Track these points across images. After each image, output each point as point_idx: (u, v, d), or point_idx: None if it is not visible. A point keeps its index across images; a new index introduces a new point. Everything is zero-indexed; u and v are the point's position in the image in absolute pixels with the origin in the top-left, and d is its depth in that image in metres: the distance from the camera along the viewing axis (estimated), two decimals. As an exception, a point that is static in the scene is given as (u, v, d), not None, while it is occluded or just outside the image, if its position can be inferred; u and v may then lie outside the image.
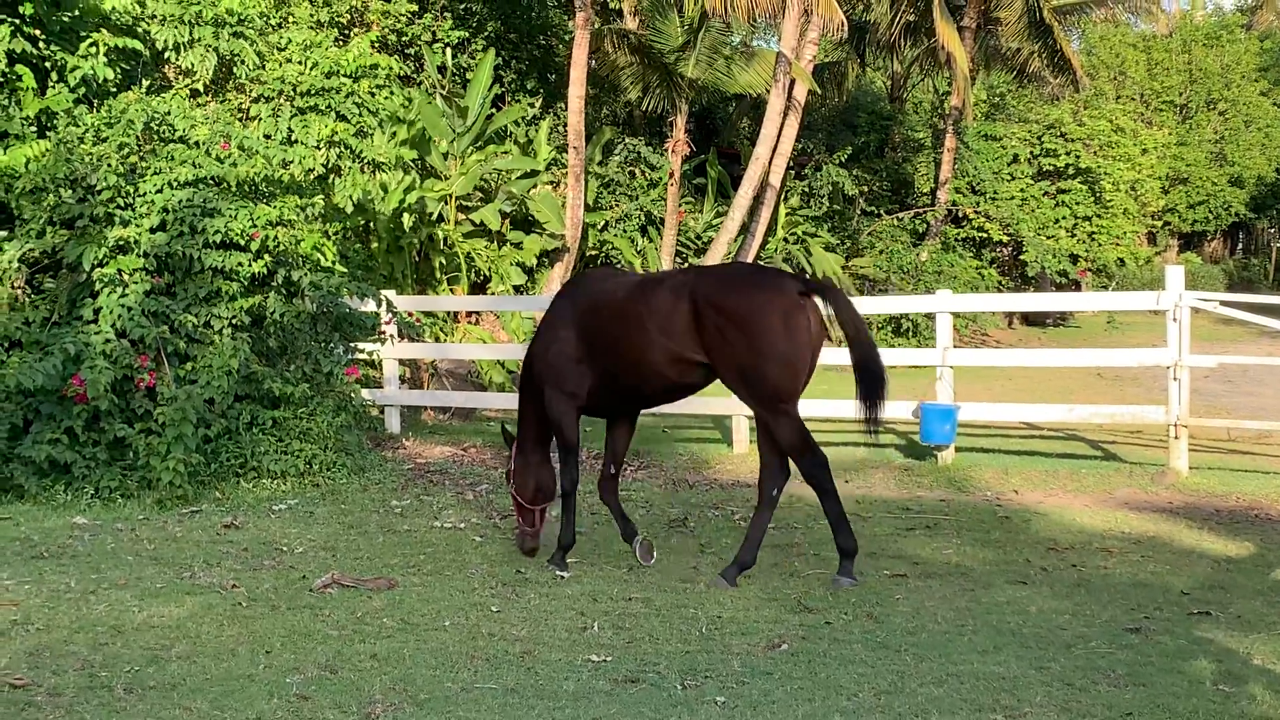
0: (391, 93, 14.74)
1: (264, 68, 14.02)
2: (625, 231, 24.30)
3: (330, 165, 13.81)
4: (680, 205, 25.07)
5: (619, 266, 23.98)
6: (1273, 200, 44.14)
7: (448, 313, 18.95)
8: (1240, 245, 50.04)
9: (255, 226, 11.80)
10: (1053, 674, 6.70)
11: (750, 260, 23.95)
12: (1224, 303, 14.08)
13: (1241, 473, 12.87)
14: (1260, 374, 20.35)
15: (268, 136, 13.43)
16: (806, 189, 28.93)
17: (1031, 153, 32.83)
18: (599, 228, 23.88)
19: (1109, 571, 9.12)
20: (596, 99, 26.28)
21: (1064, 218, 32.59)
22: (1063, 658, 6.98)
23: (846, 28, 23.51)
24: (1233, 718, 6.09)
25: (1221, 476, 12.68)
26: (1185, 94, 40.08)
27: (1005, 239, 31.46)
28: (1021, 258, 31.20)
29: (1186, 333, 12.86)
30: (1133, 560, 9.49)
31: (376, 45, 19.62)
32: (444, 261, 19.58)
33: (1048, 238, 31.72)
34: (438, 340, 18.22)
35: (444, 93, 21.43)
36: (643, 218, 24.98)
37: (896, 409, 14.22)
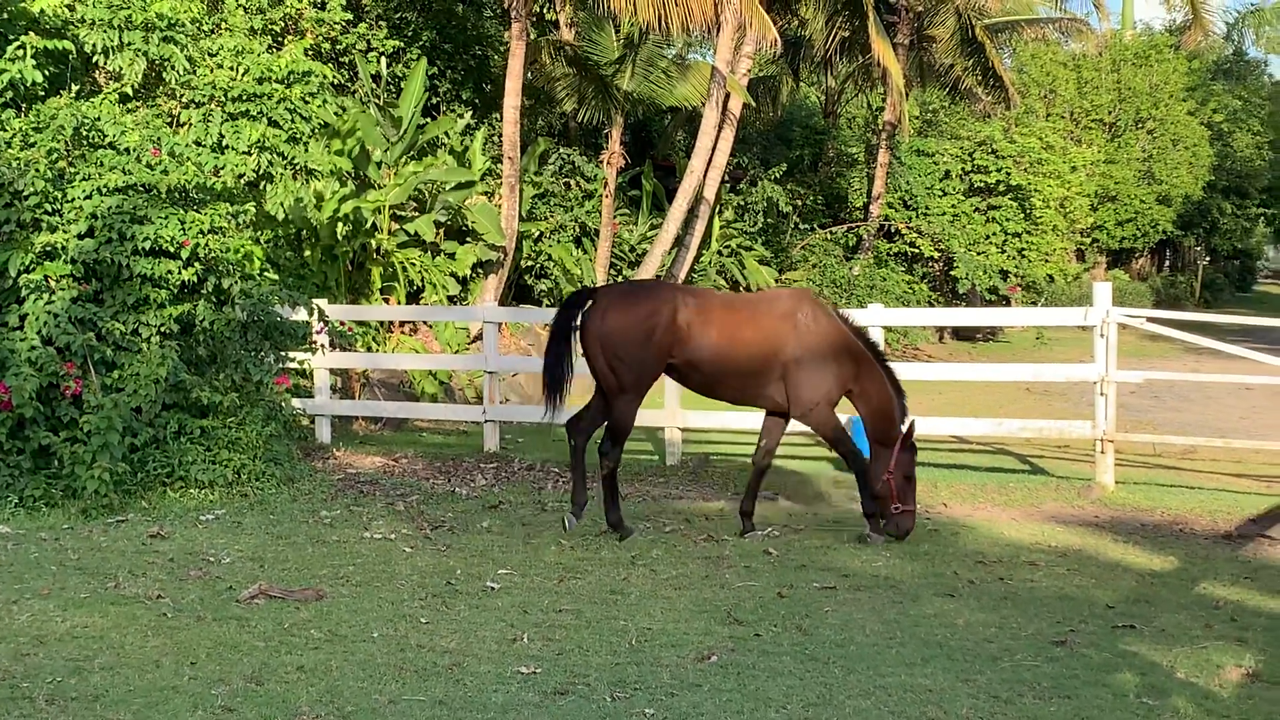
0: (325, 101, 14.64)
1: (195, 73, 13.89)
2: (560, 242, 24.26)
3: (262, 172, 13.69)
4: (615, 217, 25.07)
5: (554, 277, 23.95)
6: (1199, 218, 44.76)
7: (381, 322, 18.84)
8: (1167, 262, 50.68)
9: (185, 234, 11.67)
10: (979, 686, 6.75)
11: (684, 273, 23.99)
12: (1151, 319, 14.26)
13: (1166, 488, 13.02)
14: (1185, 390, 20.61)
15: (198, 143, 13.30)
16: (741, 203, 29.02)
17: (963, 169, 33.11)
18: (534, 238, 23.84)
19: (1035, 585, 9.19)
20: (532, 110, 26.25)
21: (994, 234, 32.88)
22: (989, 670, 7.03)
23: (780, 43, 23.63)
24: (1155, 729, 6.16)
25: (1147, 491, 12.83)
26: (1114, 112, 40.56)
27: (937, 254, 31.70)
28: (953, 273, 31.44)
29: (1114, 348, 13.01)
30: (1059, 574, 9.57)
31: (310, 53, 19.49)
32: (378, 271, 19.48)
33: (978, 253, 31.98)
34: (370, 350, 18.11)
35: (378, 102, 21.34)
36: (577, 229, 24.95)
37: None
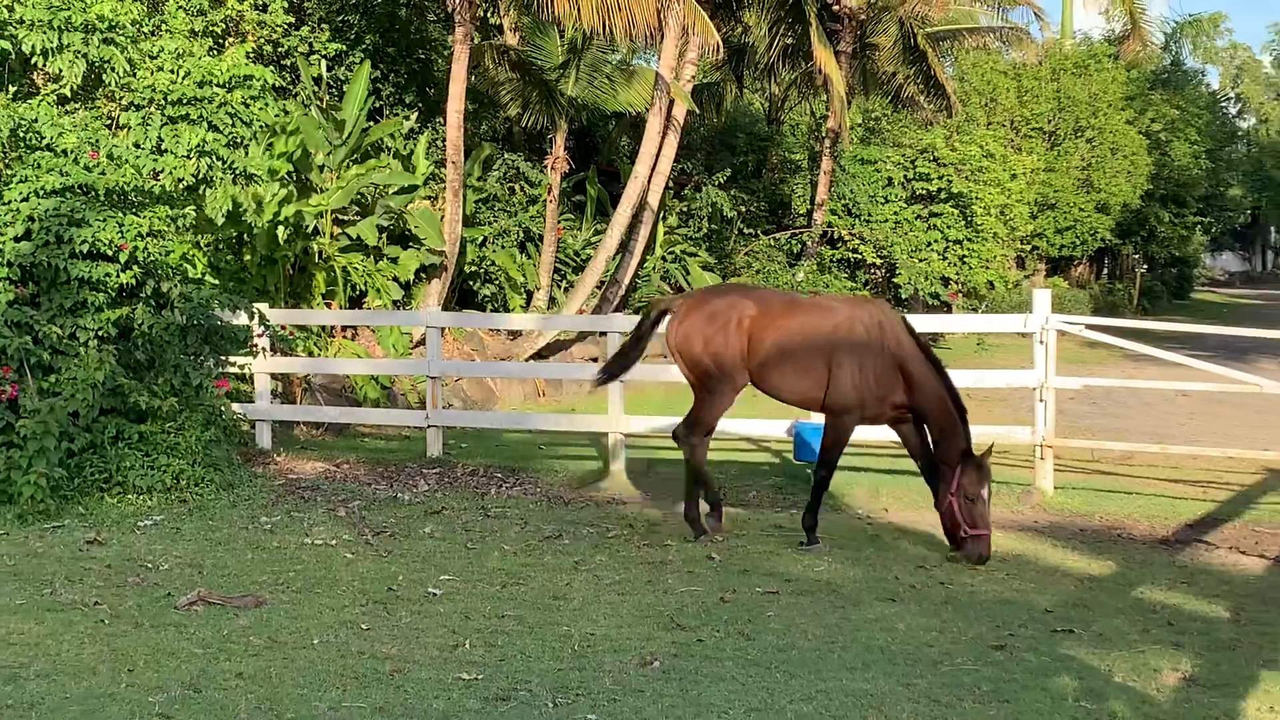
0: (267, 104, 14.54)
1: (134, 75, 13.76)
2: (504, 247, 24.20)
3: (201, 176, 13.58)
4: (559, 222, 25.03)
5: (498, 283, 23.90)
6: (1137, 226, 45.16)
7: (323, 327, 18.73)
8: (1106, 270, 51.15)
9: (124, 237, 11.56)
10: (920, 691, 6.78)
11: (628, 279, 24.00)
12: (1089, 326, 14.39)
13: (1105, 493, 13.13)
14: (1123, 396, 20.81)
15: (137, 145, 13.18)
16: (685, 208, 29.07)
17: (905, 176, 33.30)
18: (478, 243, 23.76)
19: (975, 589, 9.25)
20: (476, 114, 26.19)
21: (936, 241, 33.09)
22: (930, 674, 7.07)
23: (723, 49, 23.70)
24: (1094, 733, 6.21)
25: (1085, 496, 12.93)
26: (1054, 121, 40.89)
27: (879, 261, 31.87)
28: (895, 279, 31.63)
29: (1053, 355, 13.11)
30: (998, 578, 9.64)
31: (252, 56, 19.36)
32: (320, 275, 19.37)
33: (920, 260, 32.17)
34: (312, 355, 18.00)
35: (321, 105, 21.22)
36: (521, 234, 24.90)
37: (771, 427, 14.34)
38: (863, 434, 14.37)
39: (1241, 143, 73.70)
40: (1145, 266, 50.41)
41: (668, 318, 11.32)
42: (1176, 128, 46.03)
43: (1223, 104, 72.18)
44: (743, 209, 30.68)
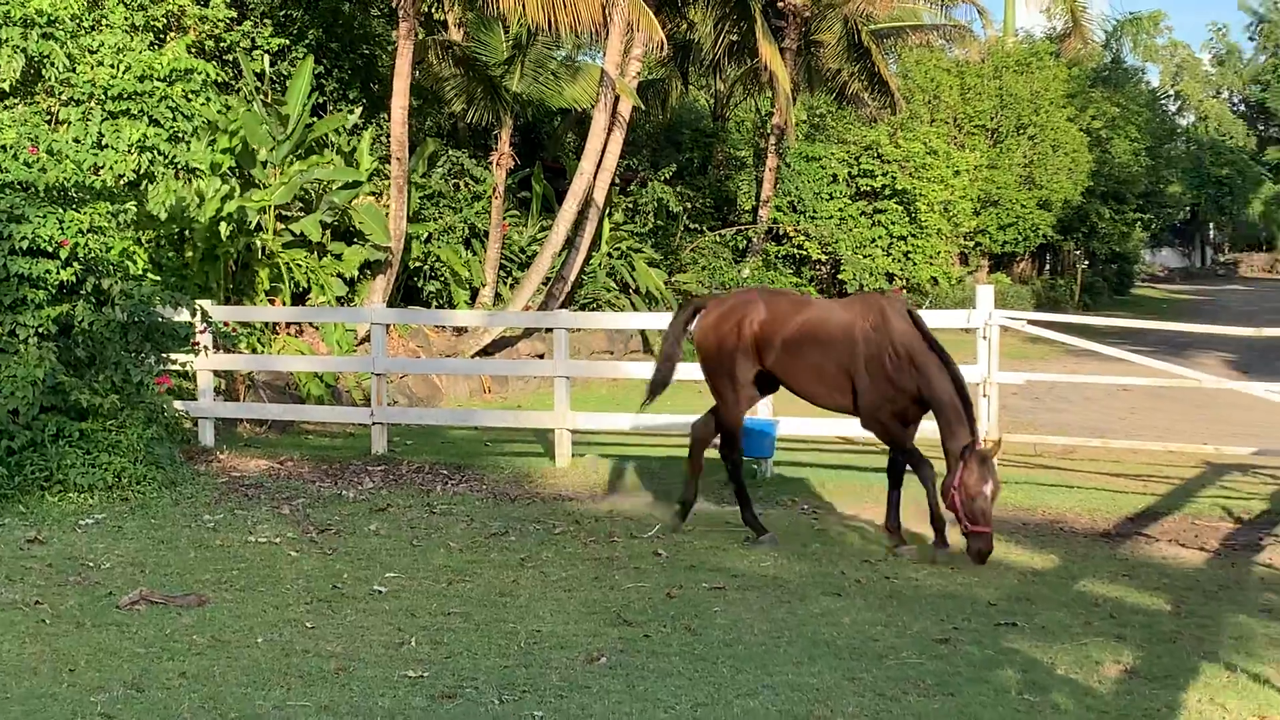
0: (208, 99, 14.43)
1: (74, 70, 13.62)
2: (449, 243, 24.10)
3: (143, 171, 13.46)
4: (505, 218, 24.96)
5: (443, 279, 23.82)
6: (1078, 223, 45.50)
7: (266, 323, 18.60)
8: (1048, 266, 51.51)
9: (64, 233, 11.45)
10: (865, 684, 6.81)
11: (574, 275, 23.98)
12: (1032, 322, 14.53)
13: (1047, 487, 13.23)
14: (1065, 391, 20.97)
15: (77, 141, 13.05)
16: (631, 205, 29.06)
17: (850, 173, 33.43)
18: (422, 240, 23.66)
19: (920, 583, 9.31)
20: (420, 110, 26.05)
21: (880, 237, 33.24)
22: (875, 668, 7.10)
23: (669, 46, 23.72)
24: (1037, 725, 6.25)
25: (1028, 491, 13.03)
26: (996, 118, 41.13)
27: (824, 257, 31.99)
28: (840, 275, 31.77)
29: (996, 350, 13.21)
30: (943, 572, 9.70)
31: (194, 51, 19.19)
32: (263, 272, 19.23)
33: (865, 256, 32.32)
34: (255, 351, 17.87)
35: (264, 101, 21.06)
36: (467, 230, 24.80)
37: (716, 423, 14.33)
38: (807, 429, 14.49)
39: (1181, 140, 74.39)
40: (1086, 262, 50.80)
41: (699, 316, 11.31)
42: (1117, 125, 46.40)
43: (1162, 102, 72.87)
44: (689, 205, 30.72)
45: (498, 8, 19.74)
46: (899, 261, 33.35)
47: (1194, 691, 6.81)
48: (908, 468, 10.56)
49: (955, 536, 10.08)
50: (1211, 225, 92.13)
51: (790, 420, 14.04)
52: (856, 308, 10.54)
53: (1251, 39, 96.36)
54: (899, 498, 10.64)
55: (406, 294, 23.80)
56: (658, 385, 11.62)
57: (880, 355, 10.16)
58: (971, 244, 40.40)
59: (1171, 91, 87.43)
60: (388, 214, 20.87)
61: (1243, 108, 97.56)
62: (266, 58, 22.42)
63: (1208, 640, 7.86)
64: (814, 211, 32.03)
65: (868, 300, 10.67)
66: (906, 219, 33.50)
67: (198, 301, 13.72)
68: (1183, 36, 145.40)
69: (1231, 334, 16.03)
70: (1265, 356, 27.47)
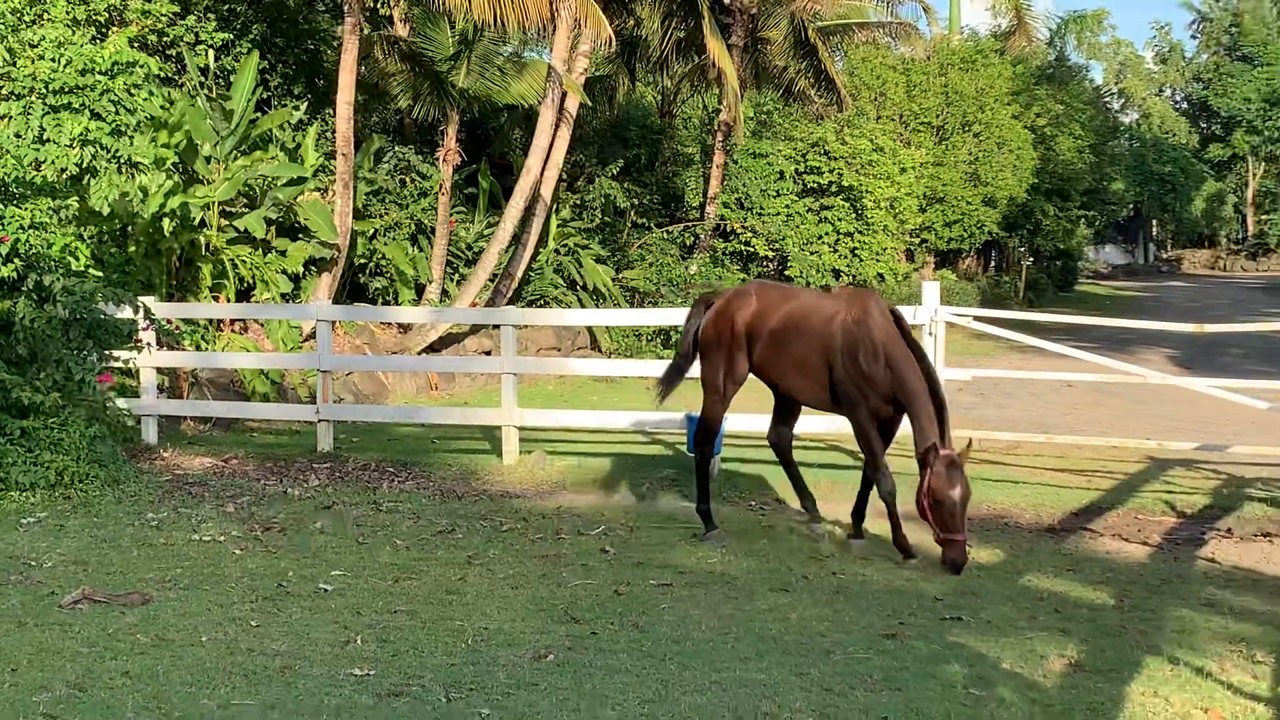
0: (151, 92, 14.29)
1: (14, 64, 13.46)
2: (395, 240, 24.00)
3: (85, 166, 13.32)
4: (451, 215, 24.87)
5: (389, 275, 23.71)
6: (1023, 220, 45.81)
7: (210, 320, 18.46)
8: (993, 263, 51.85)
9: (5, 229, 11.33)
10: (812, 680, 6.82)
11: (521, 271, 23.93)
12: (977, 318, 14.61)
13: (992, 482, 13.30)
14: (1010, 387, 21.11)
15: (18, 135, 12.90)
16: (578, 201, 29.02)
17: (796, 170, 33.49)
18: (368, 236, 23.56)
19: (867, 579, 9.33)
20: (366, 106, 25.92)
21: (827, 233, 33.32)
22: (822, 664, 7.12)
23: (616, 42, 23.69)
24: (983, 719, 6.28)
25: (973, 486, 13.07)
26: (942, 116, 41.33)
27: (771, 254, 32.04)
28: (787, 272, 31.82)
29: (942, 346, 13.28)
30: (889, 567, 9.74)
31: (136, 44, 19.00)
32: (207, 268, 19.08)
33: (812, 253, 32.39)
34: (199, 348, 17.73)
35: (207, 96, 20.89)
36: (413, 227, 24.70)
37: (665, 419, 14.37)
38: (755, 426, 14.50)
39: (1124, 137, 75.10)
40: (1031, 259, 51.16)
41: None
42: (1061, 122, 46.74)
43: (1106, 99, 73.55)
44: (636, 202, 30.72)
45: (444, 4, 19.67)
46: (845, 258, 33.45)
47: (1138, 685, 6.87)
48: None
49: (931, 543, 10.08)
50: (1154, 222, 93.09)
51: (738, 417, 14.04)
52: (842, 300, 10.43)
53: (1194, 37, 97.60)
54: (869, 496, 10.56)
55: (352, 291, 23.69)
56: (667, 382, 11.64)
57: (856, 349, 10.01)
58: (917, 241, 40.58)
59: (1115, 89, 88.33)
60: (333, 210, 20.76)
61: (1185, 105, 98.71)
62: (211, 53, 22.24)
63: (1151, 634, 7.93)
64: (761, 208, 32.08)
65: (856, 294, 10.53)
66: (853, 216, 33.60)
67: (141, 298, 13.60)
68: (1126, 34, 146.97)
69: (1174, 330, 16.18)
70: (1207, 352, 27.75)
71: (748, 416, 14.27)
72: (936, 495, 9.53)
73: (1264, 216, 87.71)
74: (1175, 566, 10.09)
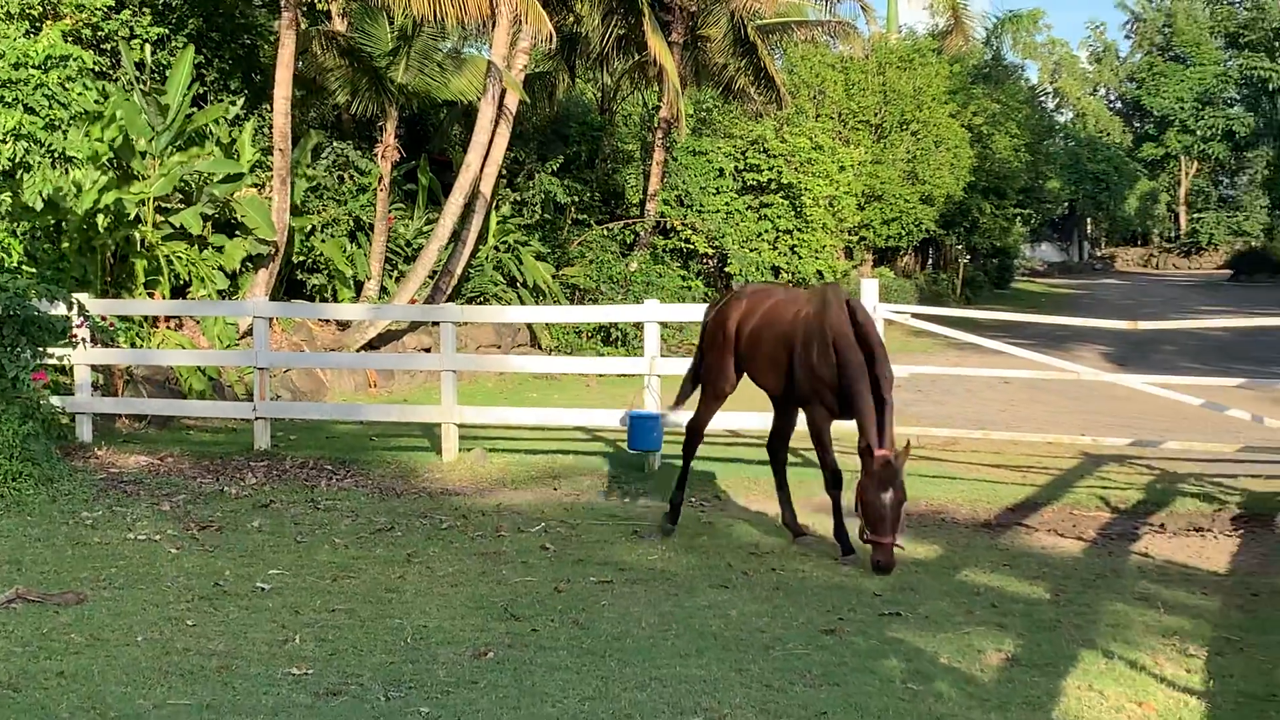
0: (86, 87, 14.13)
1: (-54, 57, 13.29)
2: (334, 236, 23.86)
3: (18, 160, 13.15)
4: (390, 211, 24.74)
5: (327, 272, 23.56)
6: (960, 218, 46.14)
7: (145, 317, 18.29)
8: (930, 260, 52.17)
9: (-65, 224, 11.17)
10: (752, 675, 6.84)
11: (460, 268, 23.84)
12: (915, 315, 14.70)
13: (930, 478, 13.38)
14: (948, 383, 21.24)
15: (-50, 130, 12.73)
16: (518, 198, 28.95)
17: (736, 167, 33.56)
18: (306, 232, 23.40)
19: (806, 575, 9.37)
20: (304, 101, 25.74)
21: (766, 231, 33.42)
22: (761, 659, 7.14)
23: (556, 38, 23.65)
24: (921, 715, 6.32)
25: (911, 482, 13.05)
26: (880, 114, 41.54)
27: (711, 251, 32.09)
28: (726, 269, 31.88)
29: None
30: (828, 563, 9.78)
31: (70, 38, 18.79)
32: (142, 265, 18.90)
33: (751, 250, 32.47)
34: (134, 346, 17.56)
35: (143, 90, 20.68)
36: (351, 223, 24.56)
37: (605, 417, 14.38)
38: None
39: (1059, 136, 75.78)
40: (968, 257, 51.55)
41: None
42: (998, 121, 47.09)
43: (1041, 98, 74.15)
44: (576, 199, 30.68)
45: (383, -1, 19.57)
46: (785, 255, 33.56)
47: (1073, 679, 6.93)
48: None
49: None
50: (1089, 220, 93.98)
51: (679, 414, 14.06)
52: (807, 295, 10.44)
53: (1128, 37, 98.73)
54: (839, 499, 10.38)
55: (290, 288, 23.53)
56: (684, 384, 11.66)
57: (811, 345, 9.93)
58: (856, 238, 40.77)
59: (1050, 88, 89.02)
60: (270, 206, 20.61)
61: (1119, 105, 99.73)
62: (146, 47, 22.03)
63: (1086, 628, 8.01)
64: (701, 205, 32.11)
65: (820, 289, 10.40)
66: (792, 213, 33.71)
67: (75, 295, 13.44)
68: (1061, 34, 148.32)
69: (1108, 327, 16.33)
70: (1140, 349, 28.05)
71: (689, 413, 14.30)
72: (864, 497, 9.47)
73: (1196, 215, 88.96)
74: (1110, 561, 10.19)
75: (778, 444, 11.25)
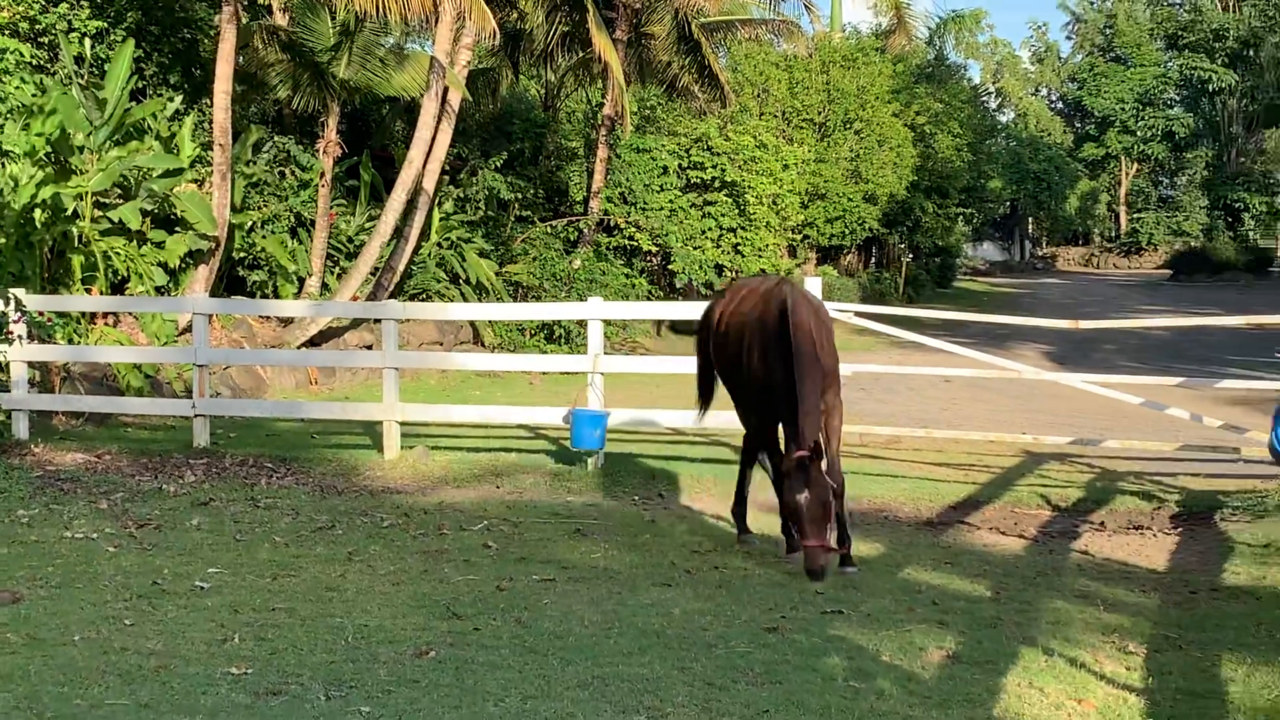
0: (23, 80, 13.95)
1: (-121, 49, 13.09)
2: (274, 232, 23.68)
3: (-47, 155, 12.97)
4: (332, 207, 24.59)
5: (268, 268, 23.38)
6: (903, 216, 46.42)
7: (83, 313, 18.09)
8: (874, 259, 52.44)
9: None
10: (695, 674, 6.84)
11: (403, 265, 23.72)
12: (859, 313, 14.75)
13: (873, 476, 13.44)
14: (890, 382, 21.34)
15: (-118, 122, 12.54)
16: (461, 194, 28.85)
17: (680, 165, 33.60)
18: (246, 228, 23.21)
19: (749, 573, 9.38)
20: (244, 96, 25.51)
21: (710, 229, 33.48)
22: (704, 658, 7.13)
23: (500, 35, 23.56)
24: (862, 712, 6.33)
25: (853, 480, 13.14)
26: (824, 113, 41.70)
27: (655, 249, 32.11)
28: (670, 267, 31.90)
29: (824, 341, 13.34)
30: (771, 561, 9.80)
31: (7, 31, 18.57)
32: (79, 260, 18.69)
33: (695, 248, 32.50)
34: (71, 342, 17.36)
35: (82, 85, 20.44)
36: (293, 219, 24.38)
37: (548, 414, 14.35)
38: (638, 420, 14.54)
39: (1001, 136, 76.32)
40: (911, 255, 51.84)
41: None
42: (940, 121, 47.38)
43: (984, 98, 74.67)
44: (520, 196, 30.60)
45: (325, -7, 19.43)
46: (728, 254, 33.63)
47: (1014, 676, 6.97)
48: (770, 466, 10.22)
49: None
50: (1030, 220, 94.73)
51: (621, 412, 14.07)
52: (765, 290, 9.94)
53: (1069, 38, 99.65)
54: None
55: (230, 284, 23.33)
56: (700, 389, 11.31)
57: (751, 337, 9.69)
58: (799, 237, 40.92)
59: (992, 88, 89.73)
60: (211, 202, 20.42)
61: (1060, 105, 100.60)
62: (85, 41, 21.78)
63: (1027, 625, 8.05)
64: (644, 203, 32.12)
65: (773, 284, 9.99)
66: (736, 211, 33.80)
67: (11, 290, 13.29)
68: (1004, 34, 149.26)
69: (1050, 326, 16.45)
70: (1081, 348, 28.29)
71: (632, 412, 14.34)
72: (782, 499, 9.35)
73: (1136, 215, 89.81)
74: (1050, 559, 10.27)
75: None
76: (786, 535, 9.99)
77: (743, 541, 10.47)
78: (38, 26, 21.34)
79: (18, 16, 20.37)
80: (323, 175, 24.02)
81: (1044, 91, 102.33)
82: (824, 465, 9.13)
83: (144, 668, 6.77)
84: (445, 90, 22.44)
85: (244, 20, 22.50)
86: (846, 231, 41.31)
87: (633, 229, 31.47)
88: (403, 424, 14.59)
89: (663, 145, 33.54)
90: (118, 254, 19.03)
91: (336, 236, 25.22)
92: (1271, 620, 8.19)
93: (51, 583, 8.58)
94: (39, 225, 17.47)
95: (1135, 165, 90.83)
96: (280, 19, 25.56)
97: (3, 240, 17.50)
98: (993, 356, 14.84)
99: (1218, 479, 13.46)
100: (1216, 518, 11.64)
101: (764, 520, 11.03)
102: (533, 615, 7.98)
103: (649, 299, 29.86)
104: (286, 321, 22.12)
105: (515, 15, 29.27)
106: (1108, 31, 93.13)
